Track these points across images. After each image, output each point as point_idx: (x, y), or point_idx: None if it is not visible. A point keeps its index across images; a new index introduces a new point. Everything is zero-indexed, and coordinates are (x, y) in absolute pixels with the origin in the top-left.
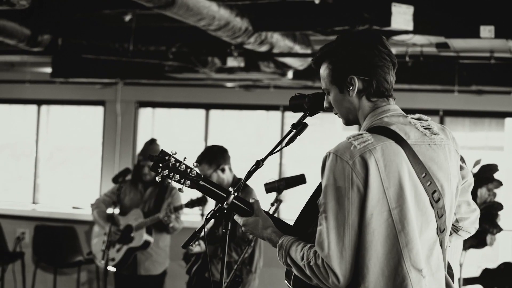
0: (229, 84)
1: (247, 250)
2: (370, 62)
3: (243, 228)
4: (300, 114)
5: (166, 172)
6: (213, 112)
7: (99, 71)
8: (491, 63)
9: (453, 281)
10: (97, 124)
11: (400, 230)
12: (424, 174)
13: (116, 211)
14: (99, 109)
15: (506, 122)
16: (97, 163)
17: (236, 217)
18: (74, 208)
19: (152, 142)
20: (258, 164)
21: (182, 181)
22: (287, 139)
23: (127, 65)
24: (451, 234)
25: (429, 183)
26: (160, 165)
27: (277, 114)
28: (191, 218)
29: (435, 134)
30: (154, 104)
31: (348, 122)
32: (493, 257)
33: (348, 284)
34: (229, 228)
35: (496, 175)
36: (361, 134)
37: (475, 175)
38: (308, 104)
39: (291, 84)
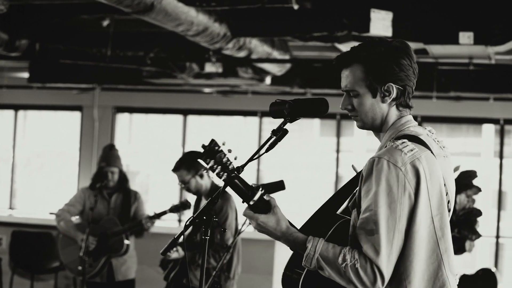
0: (207, 90)
1: (225, 256)
2: (406, 73)
3: (253, 225)
4: (280, 121)
5: (212, 163)
6: (191, 118)
7: (76, 76)
8: (469, 69)
9: None
10: (74, 129)
11: (440, 237)
12: (444, 185)
13: (77, 218)
14: (76, 115)
15: (484, 128)
16: (74, 168)
17: (248, 213)
18: (51, 213)
19: (111, 148)
20: (238, 170)
21: (221, 174)
22: (267, 146)
23: (105, 70)
24: None
25: (446, 193)
26: (214, 156)
27: (255, 120)
28: (168, 224)
29: (444, 146)
30: (131, 110)
31: (365, 126)
32: (471, 263)
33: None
34: (208, 234)
35: (474, 181)
36: (405, 141)
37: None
38: (289, 110)
39: (269, 90)
